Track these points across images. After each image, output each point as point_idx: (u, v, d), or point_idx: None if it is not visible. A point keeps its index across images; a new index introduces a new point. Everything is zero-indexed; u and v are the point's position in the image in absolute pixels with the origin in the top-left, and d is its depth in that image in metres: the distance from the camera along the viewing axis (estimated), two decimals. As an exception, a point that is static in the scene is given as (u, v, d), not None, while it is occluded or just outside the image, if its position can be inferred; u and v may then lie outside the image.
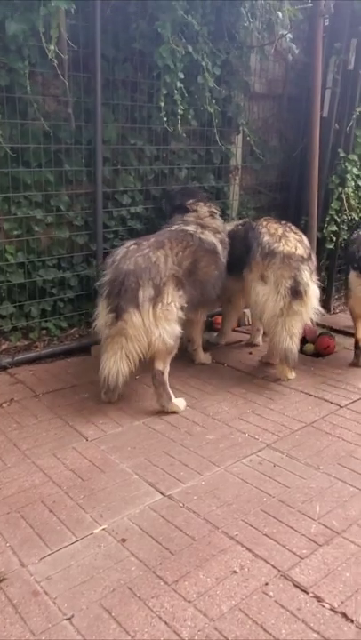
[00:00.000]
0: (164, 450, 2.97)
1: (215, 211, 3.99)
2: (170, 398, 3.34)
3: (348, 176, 5.00)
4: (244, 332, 4.79)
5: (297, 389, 3.74)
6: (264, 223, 3.85)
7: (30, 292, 4.01)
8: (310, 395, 3.66)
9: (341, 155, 4.99)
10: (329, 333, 4.61)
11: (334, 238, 5.20)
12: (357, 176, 5.11)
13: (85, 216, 4.16)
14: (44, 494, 2.56)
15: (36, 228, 3.92)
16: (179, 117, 3.91)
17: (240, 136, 4.93)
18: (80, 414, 3.32)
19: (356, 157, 5.09)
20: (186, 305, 3.38)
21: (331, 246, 5.19)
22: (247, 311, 4.84)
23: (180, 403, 3.39)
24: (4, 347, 3.96)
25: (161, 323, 3.18)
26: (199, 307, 3.76)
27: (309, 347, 4.46)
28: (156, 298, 3.16)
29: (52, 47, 3.22)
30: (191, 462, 2.85)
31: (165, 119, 3.87)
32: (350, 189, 5.07)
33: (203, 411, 3.42)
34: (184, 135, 4.31)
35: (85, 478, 2.70)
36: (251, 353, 4.39)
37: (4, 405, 3.38)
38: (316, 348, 4.45)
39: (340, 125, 4.94)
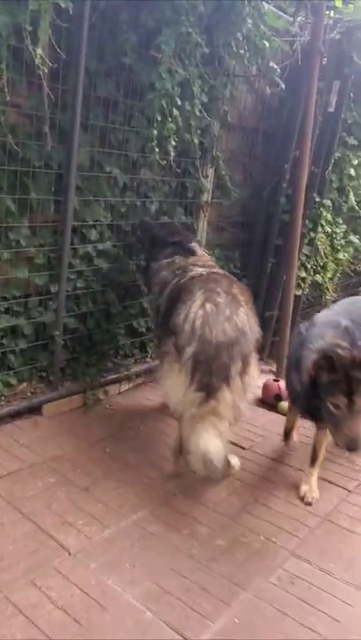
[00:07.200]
0: (172, 567, 2.39)
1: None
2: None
3: (322, 221, 4.76)
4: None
5: (294, 466, 3.32)
6: None
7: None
8: (309, 473, 3.26)
9: (316, 199, 4.72)
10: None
11: (303, 284, 4.93)
12: (329, 222, 4.89)
13: (47, 253, 3.47)
14: (34, 657, 1.89)
15: (-11, 267, 3.17)
16: (171, 148, 3.37)
17: (212, 169, 4.49)
18: (51, 511, 2.64)
19: (329, 202, 4.87)
20: None
21: (298, 292, 4.91)
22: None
23: None
24: None
25: (245, 395, 2.84)
26: None
27: (283, 405, 4.09)
28: (244, 369, 2.79)
29: (38, 51, 2.56)
30: (211, 585, 2.31)
31: (157, 150, 3.31)
32: (322, 235, 4.83)
33: (200, 500, 2.88)
34: (163, 163, 3.78)
35: (83, 622, 2.05)
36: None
37: None
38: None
39: (318, 168, 4.67)
